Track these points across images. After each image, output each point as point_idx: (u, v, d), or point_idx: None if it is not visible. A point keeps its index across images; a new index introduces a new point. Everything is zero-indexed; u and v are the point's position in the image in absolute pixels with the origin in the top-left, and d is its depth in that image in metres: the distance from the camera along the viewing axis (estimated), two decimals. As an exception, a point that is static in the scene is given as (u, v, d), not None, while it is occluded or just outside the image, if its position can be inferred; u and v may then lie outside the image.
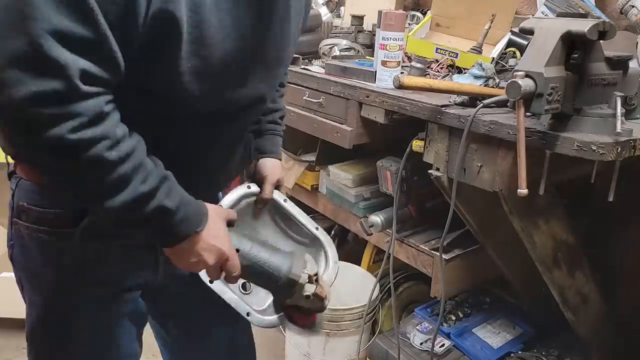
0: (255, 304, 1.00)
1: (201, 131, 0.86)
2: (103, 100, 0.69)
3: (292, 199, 2.11)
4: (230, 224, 0.92)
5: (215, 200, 1.08)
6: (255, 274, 0.89)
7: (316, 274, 0.91)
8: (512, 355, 1.62)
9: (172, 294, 1.10)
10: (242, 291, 1.00)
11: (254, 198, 1.09)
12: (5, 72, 0.63)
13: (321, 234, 1.13)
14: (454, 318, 1.74)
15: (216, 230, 0.84)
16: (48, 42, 0.62)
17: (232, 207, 1.05)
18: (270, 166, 1.11)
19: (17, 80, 0.63)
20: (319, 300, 0.92)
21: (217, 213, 0.87)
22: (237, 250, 0.87)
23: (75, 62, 0.64)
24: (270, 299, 1.01)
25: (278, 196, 1.12)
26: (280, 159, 1.16)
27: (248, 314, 0.98)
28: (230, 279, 0.88)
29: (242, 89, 0.86)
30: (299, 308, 0.94)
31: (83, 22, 0.64)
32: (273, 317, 1.00)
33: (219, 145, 0.93)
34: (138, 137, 0.75)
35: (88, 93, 0.66)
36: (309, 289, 0.90)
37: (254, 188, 1.08)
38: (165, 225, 0.78)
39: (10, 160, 0.91)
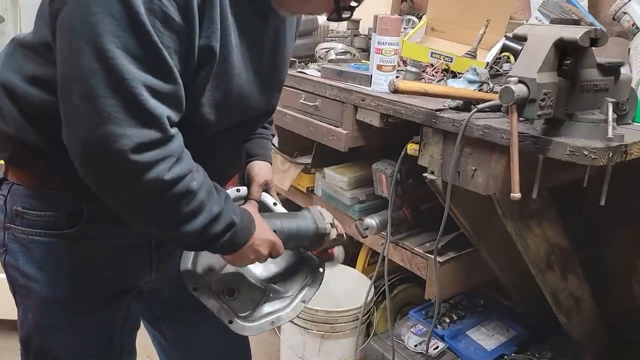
0: (239, 309, 1.04)
1: (204, 143, 0.89)
2: (180, 139, 0.77)
3: (288, 201, 2.13)
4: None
5: None
6: (291, 241, 1.02)
7: (332, 220, 1.06)
8: (505, 357, 1.63)
9: (166, 296, 1.11)
10: (227, 297, 1.04)
11: (242, 201, 1.11)
12: (104, 129, 0.68)
13: None
14: (448, 320, 1.75)
15: (261, 225, 0.94)
16: (144, 94, 0.69)
17: None
18: (257, 168, 1.14)
19: (120, 134, 0.69)
20: (341, 237, 1.09)
21: (252, 211, 0.96)
22: (274, 231, 0.98)
23: (165, 111, 0.73)
24: (254, 303, 1.06)
25: (268, 199, 1.14)
26: (270, 162, 1.18)
27: (230, 322, 1.02)
28: (274, 256, 0.98)
29: (249, 112, 0.94)
30: (323, 250, 1.11)
31: (165, 78, 0.72)
32: (256, 324, 1.04)
33: (220, 153, 0.96)
34: (203, 174, 0.83)
35: (173, 136, 0.75)
36: (333, 233, 1.06)
37: (243, 191, 1.11)
38: (233, 236, 0.86)
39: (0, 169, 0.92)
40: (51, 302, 0.93)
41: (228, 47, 0.80)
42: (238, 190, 1.11)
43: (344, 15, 0.87)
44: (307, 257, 1.14)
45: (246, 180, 1.14)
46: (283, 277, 1.11)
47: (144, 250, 0.98)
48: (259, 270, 1.10)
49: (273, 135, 1.24)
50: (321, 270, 1.13)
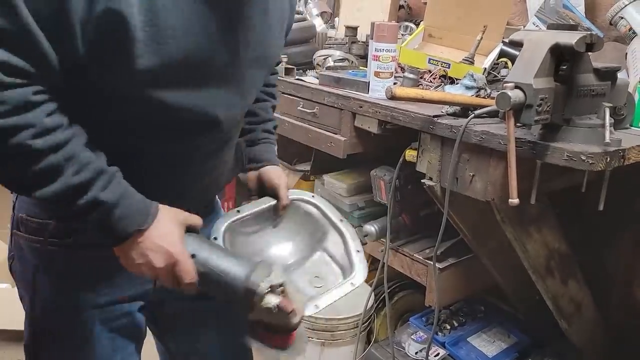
0: None
1: (183, 139, 0.85)
2: (30, 90, 0.68)
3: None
4: (192, 229, 0.86)
5: (209, 205, 1.08)
6: (211, 283, 0.81)
7: (282, 284, 0.80)
8: (506, 363, 1.63)
9: (170, 308, 1.10)
10: None
11: (272, 213, 1.08)
12: None
13: (344, 226, 1.10)
14: (448, 327, 1.74)
15: (165, 231, 0.79)
16: None
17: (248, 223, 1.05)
18: (274, 173, 1.11)
19: None
20: (283, 315, 0.79)
21: (171, 215, 0.82)
22: (193, 256, 0.81)
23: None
24: None
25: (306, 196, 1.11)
26: (279, 166, 1.16)
27: None
28: (183, 287, 0.81)
29: (218, 92, 0.83)
30: (268, 326, 0.82)
31: (2, 13, 0.64)
32: None
33: (200, 154, 0.90)
34: (77, 130, 0.74)
35: (11, 84, 0.66)
36: (271, 300, 0.78)
37: (272, 201, 1.07)
38: (104, 220, 0.75)
39: None
40: (50, 310, 0.92)
41: (154, 9, 0.71)
42: (265, 203, 1.07)
43: None
44: None
45: (267, 187, 1.10)
46: None
47: None
48: None
49: (276, 139, 1.20)
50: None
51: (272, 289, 0.79)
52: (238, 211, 1.07)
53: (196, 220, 0.87)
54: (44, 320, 0.94)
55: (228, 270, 0.80)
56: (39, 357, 0.97)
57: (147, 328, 1.12)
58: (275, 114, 1.21)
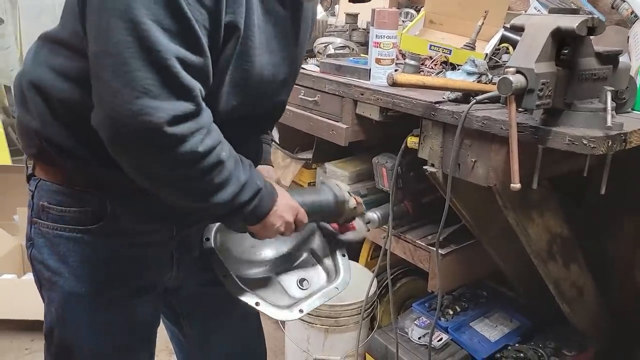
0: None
1: (225, 132, 0.89)
2: (209, 112, 0.77)
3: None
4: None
5: None
6: (313, 212, 1.03)
7: (349, 190, 1.10)
8: (509, 348, 1.64)
9: (187, 294, 1.11)
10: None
11: None
12: (138, 103, 0.68)
13: None
14: (451, 312, 1.75)
15: (281, 191, 0.95)
16: (177, 66, 0.69)
17: None
18: (265, 172, 1.14)
19: (154, 107, 0.68)
20: (360, 206, 1.12)
21: (271, 180, 0.97)
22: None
23: (197, 84, 0.73)
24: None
25: None
26: (272, 166, 1.21)
27: (257, 304, 1.01)
28: (301, 227, 0.99)
29: (269, 101, 0.95)
30: (344, 223, 1.14)
31: (196, 50, 0.72)
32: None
33: (241, 147, 0.94)
34: (229, 147, 0.83)
35: (204, 108, 0.76)
36: (352, 203, 1.09)
37: None
38: (260, 202, 0.87)
39: (29, 164, 0.94)
40: (73, 296, 0.94)
41: (251, 26, 0.80)
42: None
43: None
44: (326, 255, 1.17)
45: None
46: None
47: (165, 247, 0.99)
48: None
49: (272, 141, 1.26)
50: (343, 255, 1.16)
51: (349, 195, 1.09)
52: None
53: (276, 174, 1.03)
54: (64, 307, 0.95)
55: (319, 198, 1.06)
56: (58, 342, 0.98)
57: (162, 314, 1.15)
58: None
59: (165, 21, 0.68)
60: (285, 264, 1.14)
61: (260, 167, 1.14)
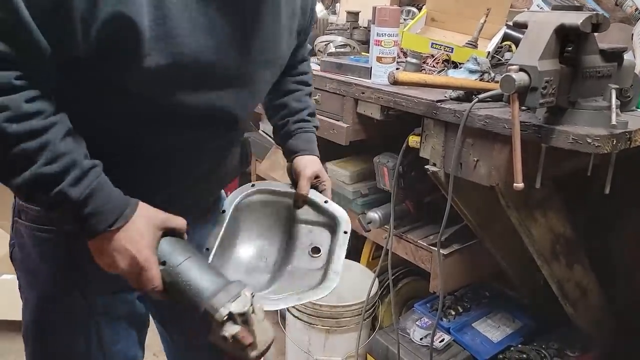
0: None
1: (193, 134, 0.86)
2: (12, 75, 0.68)
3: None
4: (174, 232, 0.82)
5: (211, 200, 1.08)
6: (177, 293, 0.77)
7: (244, 314, 0.74)
8: (512, 348, 1.62)
9: None
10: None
11: (272, 197, 1.09)
12: None
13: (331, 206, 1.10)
14: (453, 313, 1.74)
15: (135, 235, 0.77)
16: None
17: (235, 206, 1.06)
18: (303, 162, 1.10)
19: None
20: (239, 347, 0.73)
21: (147, 217, 0.79)
22: (164, 264, 0.77)
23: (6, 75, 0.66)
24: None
25: (316, 196, 1.10)
26: (315, 155, 1.14)
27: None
28: (147, 292, 0.79)
29: (229, 92, 0.84)
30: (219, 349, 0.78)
31: (9, 41, 0.65)
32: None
33: (208, 149, 0.91)
34: (61, 119, 0.72)
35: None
36: (227, 329, 0.73)
37: (290, 188, 1.08)
38: (72, 215, 0.74)
39: None
40: (49, 297, 0.93)
41: (163, 8, 0.71)
42: (252, 186, 1.09)
43: None
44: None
45: (294, 177, 1.10)
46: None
47: None
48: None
49: (317, 127, 1.19)
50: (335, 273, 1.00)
51: (232, 317, 0.73)
52: (252, 185, 1.09)
53: (178, 223, 0.83)
54: (43, 308, 0.94)
55: (195, 284, 0.76)
56: (38, 346, 0.97)
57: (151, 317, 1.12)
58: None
59: None
60: (285, 255, 1.07)
61: (300, 157, 1.11)
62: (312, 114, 1.18)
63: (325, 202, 1.09)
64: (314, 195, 1.09)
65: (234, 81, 0.84)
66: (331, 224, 1.09)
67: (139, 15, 0.69)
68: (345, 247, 1.03)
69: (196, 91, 0.80)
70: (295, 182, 1.10)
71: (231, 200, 1.07)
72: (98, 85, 0.75)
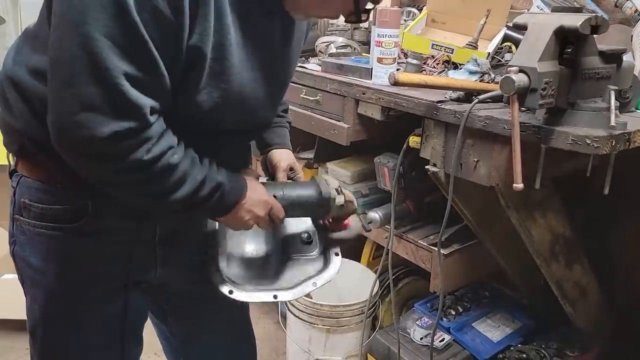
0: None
1: (208, 141, 0.91)
2: (161, 122, 0.79)
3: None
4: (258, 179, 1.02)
5: None
6: (295, 208, 1.02)
7: (339, 186, 1.05)
8: (511, 348, 1.63)
9: (174, 290, 1.11)
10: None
11: None
12: (81, 116, 0.71)
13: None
14: (453, 313, 1.75)
15: (255, 187, 0.96)
16: (125, 84, 0.70)
17: None
18: (278, 155, 1.16)
19: (96, 122, 0.71)
20: (350, 204, 1.07)
21: (250, 176, 0.98)
22: (275, 197, 0.99)
23: (148, 102, 0.74)
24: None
25: None
26: (290, 149, 1.20)
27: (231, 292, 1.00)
28: (278, 222, 1.00)
29: (254, 113, 0.94)
30: (335, 221, 1.10)
31: (149, 69, 0.73)
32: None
33: (226, 153, 0.96)
34: (178, 138, 0.83)
35: (153, 123, 0.77)
36: (340, 199, 1.04)
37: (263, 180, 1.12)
38: (222, 197, 0.88)
39: (12, 160, 0.93)
40: (56, 294, 0.94)
41: (226, 46, 0.80)
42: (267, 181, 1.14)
43: (363, 17, 0.89)
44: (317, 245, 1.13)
45: (269, 169, 1.16)
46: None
47: (148, 245, 0.99)
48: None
49: (290, 123, 1.25)
50: (336, 254, 1.10)
51: (337, 191, 1.04)
52: None
53: (257, 172, 1.07)
54: (47, 305, 0.95)
55: (302, 194, 1.03)
56: (42, 340, 0.98)
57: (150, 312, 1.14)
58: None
59: (118, 38, 0.69)
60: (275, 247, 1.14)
61: (275, 150, 1.17)
62: (286, 110, 1.25)
63: (337, 254, 1.13)
64: (329, 243, 1.14)
65: (263, 103, 0.94)
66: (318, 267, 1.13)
67: (207, 50, 0.78)
68: (300, 295, 1.07)
69: (234, 115, 0.89)
70: (271, 175, 1.17)
71: None
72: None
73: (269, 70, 0.92)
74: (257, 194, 0.95)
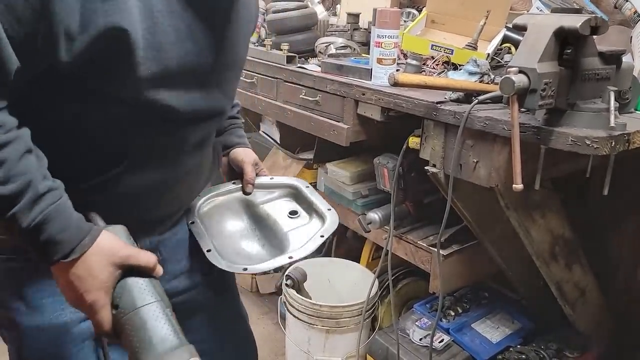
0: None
1: (172, 132, 0.86)
2: None
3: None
4: (139, 271, 0.74)
5: (183, 209, 1.05)
6: (126, 339, 0.71)
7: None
8: (511, 349, 1.63)
9: (173, 303, 1.09)
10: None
11: (219, 199, 1.11)
12: None
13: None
14: (453, 313, 1.75)
15: (86, 273, 0.71)
16: None
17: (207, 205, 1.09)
18: (242, 152, 1.14)
19: None
20: None
21: (107, 252, 0.72)
22: (117, 307, 0.71)
23: None
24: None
25: (263, 179, 1.14)
26: (249, 147, 1.18)
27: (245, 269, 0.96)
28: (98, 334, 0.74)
29: (205, 92, 0.87)
30: None
31: None
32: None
33: (187, 146, 0.91)
34: (20, 134, 0.70)
35: None
36: None
37: (238, 183, 1.12)
38: (27, 241, 0.70)
39: None
40: (35, 331, 0.84)
41: (153, 17, 0.73)
42: (234, 184, 1.12)
43: None
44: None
45: (234, 167, 1.14)
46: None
47: None
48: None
49: (243, 123, 1.24)
50: (328, 209, 1.06)
51: None
52: (198, 197, 1.10)
53: (145, 259, 0.75)
54: (27, 344, 0.86)
55: (143, 337, 0.69)
56: None
57: None
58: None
59: None
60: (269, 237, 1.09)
61: (237, 149, 1.15)
62: (239, 111, 1.22)
63: (271, 178, 1.14)
64: (258, 179, 1.13)
65: (210, 82, 0.87)
66: (290, 192, 1.14)
67: (132, 26, 0.70)
68: (316, 193, 1.07)
69: (181, 93, 0.82)
70: (237, 174, 1.14)
71: (193, 213, 1.08)
72: (82, 93, 0.75)
73: (214, 46, 0.84)
74: (80, 280, 0.71)
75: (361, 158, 1.88)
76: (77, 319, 0.85)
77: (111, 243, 0.74)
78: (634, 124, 1.03)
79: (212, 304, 1.10)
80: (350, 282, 1.93)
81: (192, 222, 1.05)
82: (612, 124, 0.93)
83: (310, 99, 1.70)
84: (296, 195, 1.14)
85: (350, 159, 1.91)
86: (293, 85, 1.78)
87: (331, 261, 2.06)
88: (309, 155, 2.01)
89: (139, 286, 0.73)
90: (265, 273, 0.98)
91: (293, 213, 1.10)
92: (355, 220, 1.72)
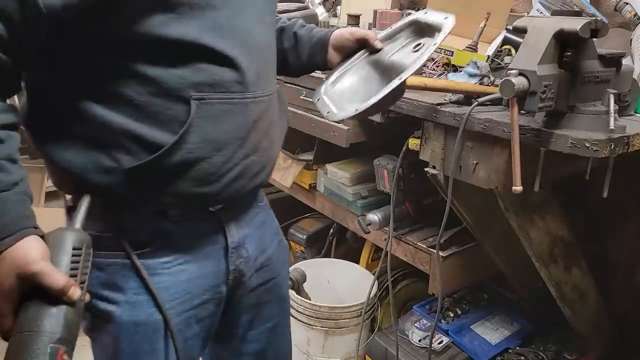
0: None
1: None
2: None
3: (290, 197, 2.12)
4: (46, 294, 0.67)
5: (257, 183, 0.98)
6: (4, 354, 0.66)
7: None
8: (510, 351, 1.63)
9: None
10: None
11: (351, 66, 1.10)
12: None
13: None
14: (452, 315, 1.75)
15: (30, 252, 0.67)
16: None
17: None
18: (340, 30, 1.11)
19: None
20: None
21: (17, 263, 0.66)
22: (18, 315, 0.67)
23: None
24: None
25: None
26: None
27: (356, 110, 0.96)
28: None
29: (241, 35, 0.82)
30: None
31: None
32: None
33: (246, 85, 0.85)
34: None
35: None
36: None
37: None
38: None
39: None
40: (132, 325, 0.85)
41: None
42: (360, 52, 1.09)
43: None
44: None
45: (343, 47, 1.11)
46: None
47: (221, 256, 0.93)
48: None
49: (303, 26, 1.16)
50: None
51: None
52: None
53: (52, 281, 0.66)
54: (126, 339, 0.87)
55: (29, 343, 0.64)
56: None
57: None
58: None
59: None
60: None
61: (335, 32, 1.11)
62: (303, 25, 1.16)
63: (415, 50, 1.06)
64: (379, 34, 1.09)
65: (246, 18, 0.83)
66: (412, 30, 1.10)
67: None
68: (433, 11, 1.04)
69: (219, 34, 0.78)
70: (350, 50, 1.11)
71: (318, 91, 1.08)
72: (91, 39, 0.74)
73: None
74: (32, 253, 0.66)
75: (361, 159, 1.88)
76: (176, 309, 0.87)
77: (26, 253, 0.67)
78: (634, 126, 1.03)
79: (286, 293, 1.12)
80: (350, 283, 1.93)
81: (318, 99, 1.04)
82: (612, 126, 0.93)
83: (311, 100, 1.70)
84: (418, 28, 1.09)
85: (350, 160, 1.91)
86: (293, 86, 1.78)
87: (331, 262, 2.06)
88: (309, 156, 2.01)
89: (38, 309, 0.67)
90: (379, 107, 0.99)
91: (417, 46, 1.04)
92: (355, 221, 1.72)
